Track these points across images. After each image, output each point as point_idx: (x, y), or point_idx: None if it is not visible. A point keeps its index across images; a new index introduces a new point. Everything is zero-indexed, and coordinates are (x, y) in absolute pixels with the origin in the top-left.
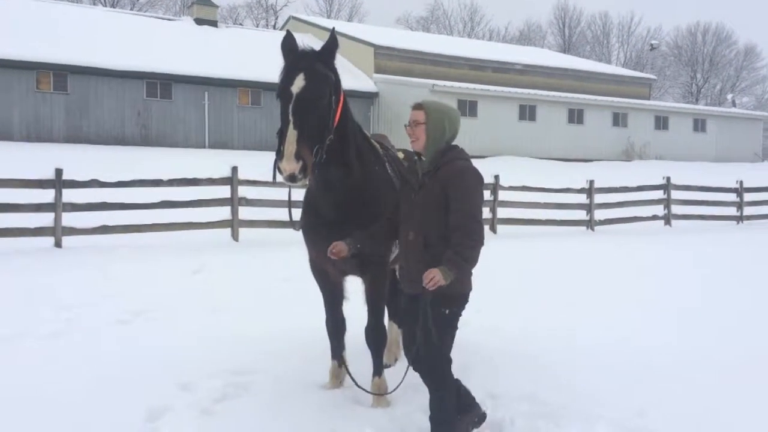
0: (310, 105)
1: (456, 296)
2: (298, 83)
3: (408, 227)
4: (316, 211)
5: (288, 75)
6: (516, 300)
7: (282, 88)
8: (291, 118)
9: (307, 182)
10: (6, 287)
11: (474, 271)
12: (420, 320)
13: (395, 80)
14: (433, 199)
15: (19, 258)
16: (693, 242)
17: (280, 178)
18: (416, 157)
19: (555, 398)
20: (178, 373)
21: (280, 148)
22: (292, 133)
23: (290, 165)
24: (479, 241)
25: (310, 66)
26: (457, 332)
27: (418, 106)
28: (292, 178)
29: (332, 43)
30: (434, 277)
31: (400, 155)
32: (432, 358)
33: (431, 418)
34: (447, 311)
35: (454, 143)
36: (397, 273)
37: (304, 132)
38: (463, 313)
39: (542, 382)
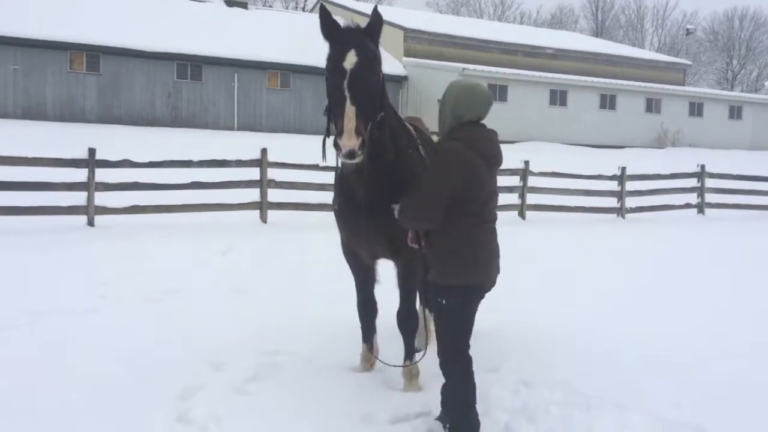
0: (365, 81)
1: (456, 287)
2: (351, 59)
3: None
4: (348, 194)
5: (340, 51)
6: (548, 287)
7: (334, 65)
8: (347, 93)
9: (363, 160)
10: (41, 264)
11: (504, 257)
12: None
13: (425, 64)
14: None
15: (52, 236)
16: (727, 231)
17: (329, 158)
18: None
19: (589, 387)
20: (209, 352)
21: (331, 126)
22: (350, 109)
23: (351, 141)
24: (408, 211)
25: (361, 42)
26: (491, 318)
27: None
28: (351, 155)
29: (378, 20)
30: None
31: (435, 138)
32: (442, 347)
33: (449, 410)
34: (443, 301)
35: (474, 121)
36: None
37: (360, 108)
38: (494, 299)
39: (576, 371)
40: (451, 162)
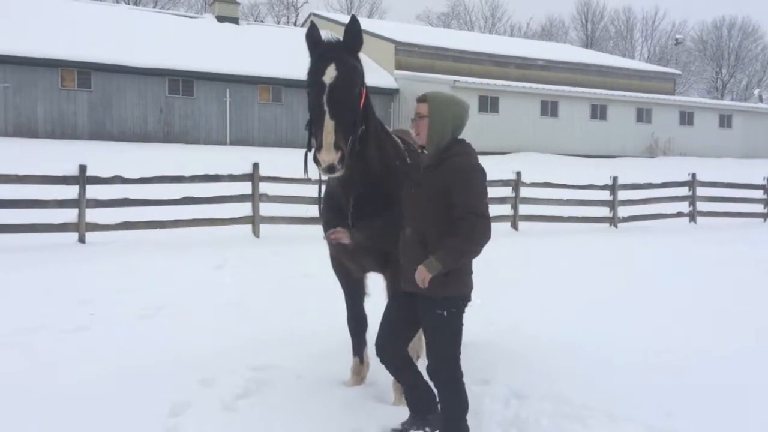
0: (344, 95)
1: (453, 298)
2: (330, 73)
3: (406, 223)
4: (335, 206)
5: (318, 65)
6: (539, 298)
7: (313, 79)
8: (326, 108)
9: (343, 173)
10: (31, 281)
11: (496, 267)
12: (424, 325)
13: (416, 77)
14: (433, 195)
15: (43, 253)
16: (719, 240)
17: (311, 172)
18: (420, 151)
19: (581, 398)
20: (200, 368)
21: (312, 140)
22: (329, 123)
23: (330, 155)
24: (482, 236)
25: (340, 56)
26: (483, 329)
27: (422, 99)
28: (331, 169)
29: (356, 31)
30: (424, 278)
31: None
32: (439, 361)
33: (443, 422)
34: (444, 313)
35: (460, 137)
36: None
37: (339, 122)
38: (486, 310)
39: (568, 382)
40: (483, 177)
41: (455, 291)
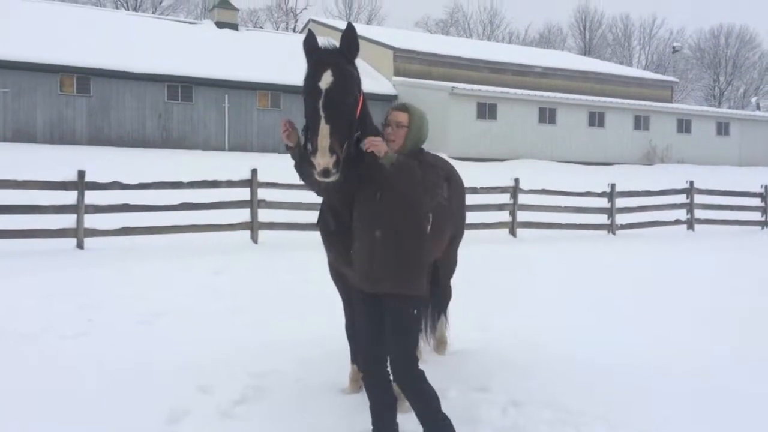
0: (339, 100)
1: (416, 297)
2: (326, 79)
3: (373, 226)
4: (333, 213)
5: (315, 71)
6: (537, 305)
7: (310, 85)
8: (322, 113)
9: (338, 177)
10: (29, 287)
11: (494, 274)
12: (390, 323)
13: (414, 83)
14: (401, 198)
15: (41, 259)
16: (717, 248)
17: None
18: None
19: (578, 405)
20: (197, 375)
21: (308, 145)
22: (324, 128)
23: (325, 159)
24: (428, 188)
25: (337, 62)
26: (479, 336)
27: (402, 108)
28: (326, 173)
29: (352, 36)
30: (380, 148)
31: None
32: (409, 360)
33: (422, 419)
34: (416, 311)
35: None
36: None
37: (335, 126)
38: (484, 317)
39: (565, 388)
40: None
41: (424, 289)
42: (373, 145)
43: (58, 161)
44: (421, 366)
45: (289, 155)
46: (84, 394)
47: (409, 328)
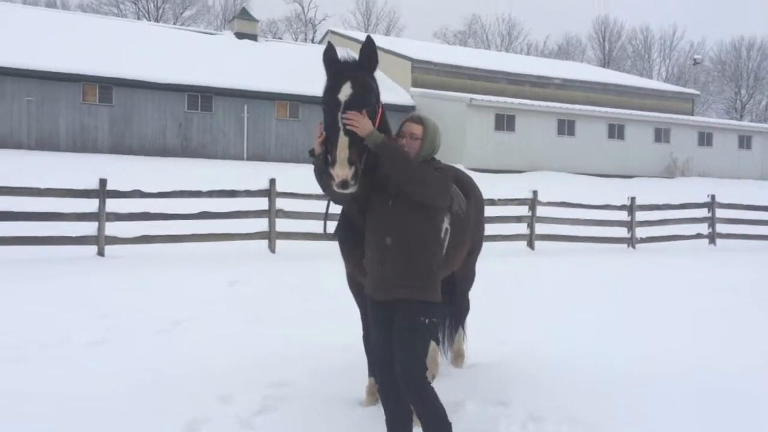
0: (358, 111)
1: (433, 304)
2: (345, 91)
3: (384, 233)
4: (351, 223)
5: (335, 83)
6: (555, 318)
7: (330, 97)
8: (340, 124)
9: (356, 189)
10: (50, 294)
11: (512, 287)
12: (398, 330)
13: (432, 94)
14: (415, 206)
15: (62, 266)
16: (739, 262)
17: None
18: None
19: (597, 420)
20: (216, 384)
21: (327, 156)
22: (343, 140)
23: (343, 171)
24: (430, 181)
25: (356, 75)
26: (497, 349)
27: (417, 121)
28: (344, 185)
29: (371, 49)
30: (363, 126)
31: None
32: (415, 371)
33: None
34: (426, 321)
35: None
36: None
37: (354, 139)
38: (502, 330)
39: (584, 403)
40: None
41: (435, 296)
42: (352, 123)
43: (80, 169)
44: (439, 378)
45: (311, 164)
46: (103, 402)
47: (416, 336)
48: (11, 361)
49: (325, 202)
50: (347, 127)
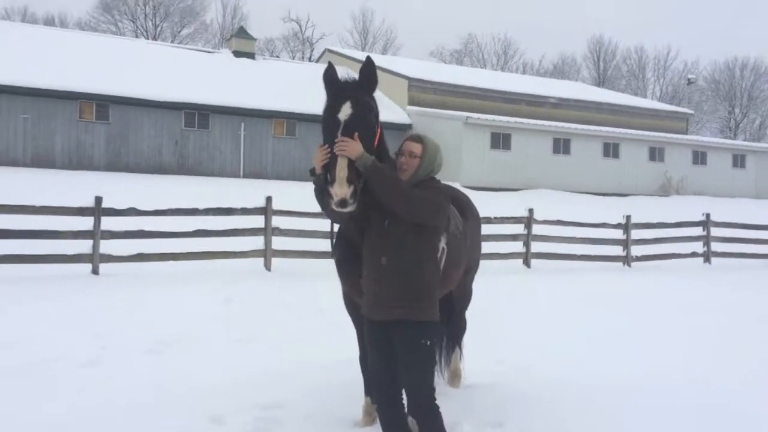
0: (358, 131)
1: (431, 323)
2: (345, 111)
3: (380, 253)
4: (348, 243)
5: (335, 103)
6: (551, 337)
7: (329, 116)
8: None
9: (355, 208)
10: (43, 313)
11: (508, 305)
12: (402, 353)
13: (429, 113)
14: (408, 226)
15: (56, 284)
16: (734, 281)
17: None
18: None
19: None
20: (210, 405)
21: (327, 175)
22: (342, 159)
23: (342, 190)
24: (419, 203)
25: (356, 94)
26: (494, 369)
27: (417, 139)
28: (343, 203)
29: (370, 70)
30: (353, 149)
31: None
32: (425, 392)
33: None
34: (428, 342)
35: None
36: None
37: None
38: (498, 349)
39: (579, 425)
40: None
41: (433, 315)
42: (341, 148)
43: (76, 187)
44: (436, 398)
45: (309, 182)
46: (95, 423)
47: (421, 358)
48: (4, 379)
49: (324, 221)
50: (337, 153)
